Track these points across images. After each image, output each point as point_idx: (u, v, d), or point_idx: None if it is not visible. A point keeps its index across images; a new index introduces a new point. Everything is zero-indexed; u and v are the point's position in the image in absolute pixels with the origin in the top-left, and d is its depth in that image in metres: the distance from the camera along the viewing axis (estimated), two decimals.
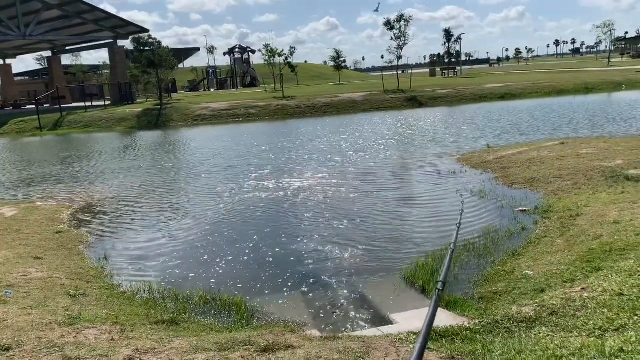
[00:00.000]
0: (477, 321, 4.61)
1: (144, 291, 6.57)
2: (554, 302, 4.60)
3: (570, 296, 4.65)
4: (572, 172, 10.72)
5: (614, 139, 14.94)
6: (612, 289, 4.52)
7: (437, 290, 2.08)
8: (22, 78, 69.75)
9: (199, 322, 5.52)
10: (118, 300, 6.10)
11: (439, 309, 5.45)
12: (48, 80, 55.66)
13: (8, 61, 56.55)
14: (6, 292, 5.69)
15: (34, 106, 39.49)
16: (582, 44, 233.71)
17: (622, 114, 22.49)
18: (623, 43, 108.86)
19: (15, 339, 4.17)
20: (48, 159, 21.32)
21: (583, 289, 4.76)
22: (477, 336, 4.27)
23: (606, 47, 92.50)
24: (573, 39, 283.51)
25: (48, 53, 55.93)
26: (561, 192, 9.68)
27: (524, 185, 10.77)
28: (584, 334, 3.86)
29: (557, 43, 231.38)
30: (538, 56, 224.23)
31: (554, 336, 3.95)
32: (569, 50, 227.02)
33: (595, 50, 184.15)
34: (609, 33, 71.59)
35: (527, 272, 6.06)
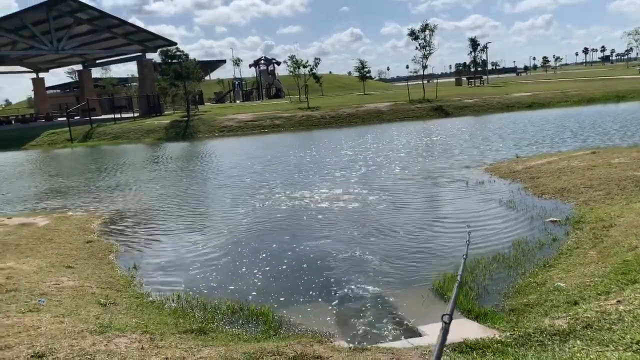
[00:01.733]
0: (508, 334, 4.52)
1: (172, 300, 6.63)
2: (588, 315, 4.49)
3: (605, 309, 4.53)
4: (604, 182, 10.49)
5: None
6: None
7: (444, 324, 1.99)
8: (54, 91, 71.55)
9: (227, 331, 5.54)
10: (147, 309, 6.17)
11: (468, 321, 5.38)
12: (79, 93, 56.95)
13: (41, 75, 58.15)
14: (39, 300, 5.81)
15: (65, 118, 40.43)
16: (612, 51, 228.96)
17: None
18: None
19: (49, 347, 4.25)
20: (79, 169, 21.78)
21: (618, 301, 4.63)
22: (509, 349, 4.19)
23: (637, 54, 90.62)
24: (602, 47, 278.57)
25: (79, 66, 57.36)
26: (593, 202, 9.46)
27: (554, 195, 10.57)
28: (621, 348, 3.75)
29: (585, 51, 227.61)
30: (566, 64, 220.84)
31: (589, 350, 3.85)
32: (598, 58, 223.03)
33: (625, 57, 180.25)
34: None
35: (559, 284, 5.93)
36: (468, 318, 5.48)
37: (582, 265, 6.44)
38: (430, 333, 5.05)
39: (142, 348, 4.36)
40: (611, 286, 5.24)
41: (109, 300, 6.17)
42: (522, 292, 6.11)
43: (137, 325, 5.23)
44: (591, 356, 3.70)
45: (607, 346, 3.85)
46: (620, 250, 6.46)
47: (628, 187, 9.83)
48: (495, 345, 4.28)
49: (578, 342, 4.06)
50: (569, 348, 3.99)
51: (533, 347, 4.18)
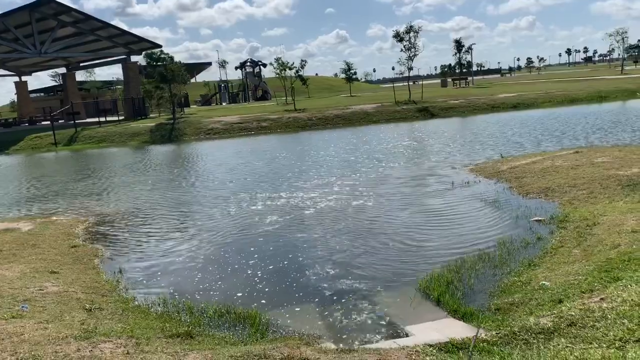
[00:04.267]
0: (493, 333, 4.56)
1: (159, 304, 6.58)
2: (572, 313, 4.54)
3: (588, 307, 4.58)
4: (588, 181, 10.62)
5: (629, 147, 14.78)
6: (632, 299, 4.45)
7: None
8: (38, 95, 70.72)
9: (214, 335, 5.51)
10: (133, 313, 6.11)
11: (454, 320, 5.42)
12: (63, 97, 56.32)
13: (24, 78, 57.47)
14: (22, 307, 5.73)
15: (49, 122, 39.98)
16: (595, 52, 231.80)
17: (637, 122, 22.27)
18: (636, 51, 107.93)
19: (32, 353, 4.19)
20: (63, 174, 21.55)
21: (602, 299, 4.69)
22: (495, 348, 4.22)
23: (619, 54, 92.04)
24: (585, 48, 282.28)
25: (63, 70, 56.75)
26: (577, 201, 9.58)
27: (538, 194, 10.68)
28: (604, 345, 3.80)
29: (568, 52, 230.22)
30: (550, 65, 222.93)
31: (573, 347, 3.89)
32: (581, 59, 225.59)
33: (608, 58, 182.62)
34: (622, 41, 71.37)
35: (544, 282, 5.99)
36: (454, 317, 5.51)
37: (567, 263, 6.51)
38: (417, 333, 5.07)
39: (128, 353, 4.33)
40: (595, 284, 5.30)
41: (94, 306, 6.11)
42: (508, 291, 6.15)
43: (123, 330, 5.19)
44: (575, 354, 3.74)
45: (591, 343, 3.90)
46: (603, 248, 6.55)
47: (611, 186, 9.96)
48: (481, 344, 4.31)
49: (562, 340, 4.11)
50: (553, 346, 4.03)
51: (518, 346, 4.22)
